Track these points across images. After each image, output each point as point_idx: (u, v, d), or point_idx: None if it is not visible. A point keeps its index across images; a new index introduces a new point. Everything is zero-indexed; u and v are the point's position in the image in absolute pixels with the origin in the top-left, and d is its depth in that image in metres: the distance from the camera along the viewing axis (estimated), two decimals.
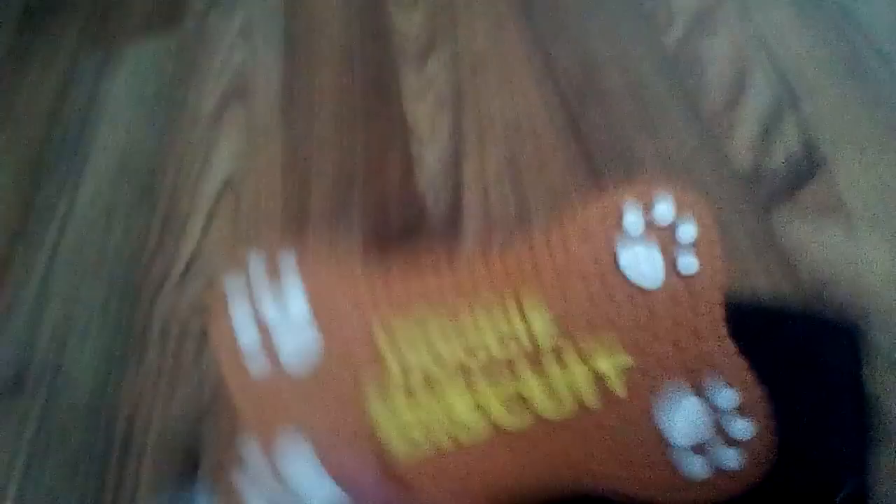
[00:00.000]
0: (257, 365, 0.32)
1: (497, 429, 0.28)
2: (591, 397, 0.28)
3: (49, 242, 0.70)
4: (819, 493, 0.40)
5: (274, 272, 0.35)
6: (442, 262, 0.37)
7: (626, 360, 0.28)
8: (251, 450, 0.28)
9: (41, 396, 0.59)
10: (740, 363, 0.27)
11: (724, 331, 0.28)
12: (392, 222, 0.63)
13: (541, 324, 0.30)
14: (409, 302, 0.32)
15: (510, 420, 0.28)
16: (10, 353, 0.62)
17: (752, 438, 0.25)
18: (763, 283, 0.51)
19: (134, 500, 0.52)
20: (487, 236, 0.60)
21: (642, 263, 0.31)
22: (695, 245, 0.31)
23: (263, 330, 0.33)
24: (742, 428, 0.26)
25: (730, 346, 0.28)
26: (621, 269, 0.31)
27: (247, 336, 0.33)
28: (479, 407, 0.28)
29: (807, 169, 0.57)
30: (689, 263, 0.30)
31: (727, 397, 0.26)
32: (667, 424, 0.26)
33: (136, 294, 0.64)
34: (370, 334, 0.31)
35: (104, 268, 0.67)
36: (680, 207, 0.32)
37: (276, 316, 0.33)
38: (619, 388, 0.28)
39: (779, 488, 0.39)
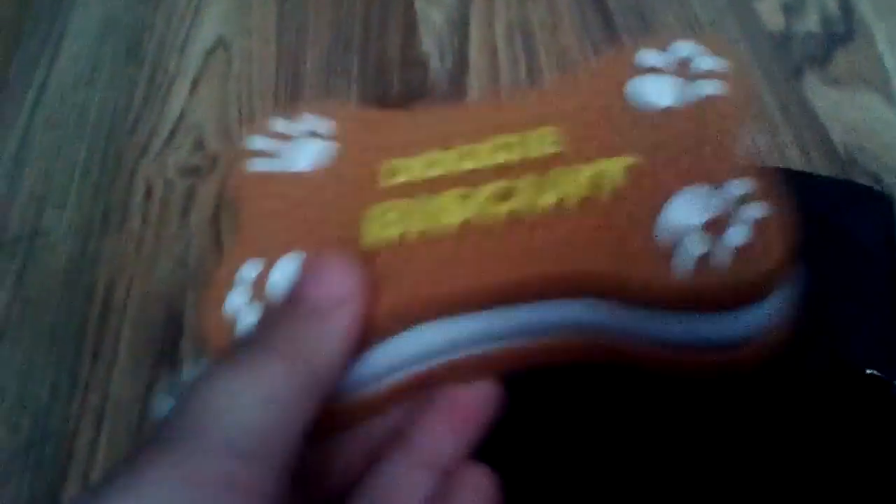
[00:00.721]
0: (268, 167, 0.31)
1: (473, 223, 0.26)
2: (583, 192, 0.26)
3: (29, 99, 0.66)
4: (847, 368, 0.37)
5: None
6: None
7: (631, 161, 0.26)
8: (248, 270, 0.26)
9: (18, 261, 0.56)
10: (757, 167, 0.24)
11: (737, 151, 0.26)
12: (393, 85, 0.59)
13: (546, 139, 0.28)
14: (418, 140, 0.30)
15: (489, 213, 0.26)
16: None
17: (764, 218, 0.22)
18: (793, 151, 0.48)
19: (112, 369, 0.49)
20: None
21: (655, 87, 0.29)
22: (712, 73, 0.28)
23: (278, 139, 0.31)
24: (755, 209, 0.23)
25: (745, 159, 0.25)
26: (633, 95, 0.29)
27: (261, 144, 0.31)
28: (463, 199, 0.27)
29: (843, 33, 0.53)
30: (705, 86, 0.28)
31: (740, 186, 0.23)
32: (671, 211, 0.23)
33: (120, 155, 0.60)
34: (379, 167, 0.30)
35: (86, 127, 0.63)
36: (698, 45, 0.30)
37: (292, 130, 0.32)
38: (618, 182, 0.26)
39: (808, 361, 0.37)
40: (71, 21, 0.73)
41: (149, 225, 0.55)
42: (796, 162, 0.47)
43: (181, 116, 0.62)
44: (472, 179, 0.27)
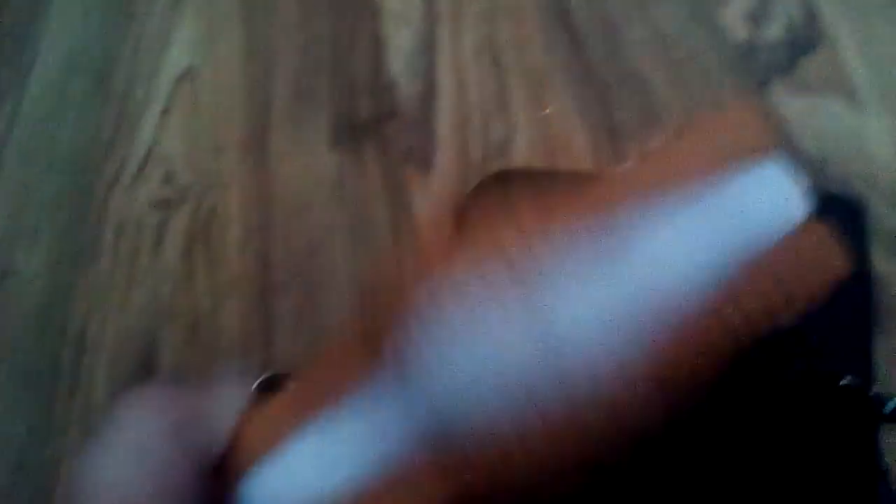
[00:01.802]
0: None
1: None
2: None
3: None
4: (822, 378, 0.37)
5: None
6: None
7: None
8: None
9: None
10: None
11: None
12: (362, 109, 0.59)
13: None
14: None
15: None
16: None
17: None
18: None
19: (89, 404, 0.49)
20: (464, 121, 0.55)
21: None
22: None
23: None
24: None
25: None
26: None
27: None
28: None
29: (807, 41, 0.53)
30: None
31: None
32: None
33: (90, 190, 0.60)
34: None
35: (56, 163, 0.62)
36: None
37: None
38: None
39: (781, 373, 0.37)
40: (39, 52, 0.72)
41: (121, 260, 0.55)
42: None
43: (150, 148, 0.61)
44: None
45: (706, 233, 0.25)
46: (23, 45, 0.73)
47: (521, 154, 0.53)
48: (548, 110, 0.54)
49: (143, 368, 0.49)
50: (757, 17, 0.55)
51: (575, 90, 0.55)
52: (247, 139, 0.60)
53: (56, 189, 0.61)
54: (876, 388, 0.38)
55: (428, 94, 0.58)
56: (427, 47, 0.61)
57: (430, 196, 0.52)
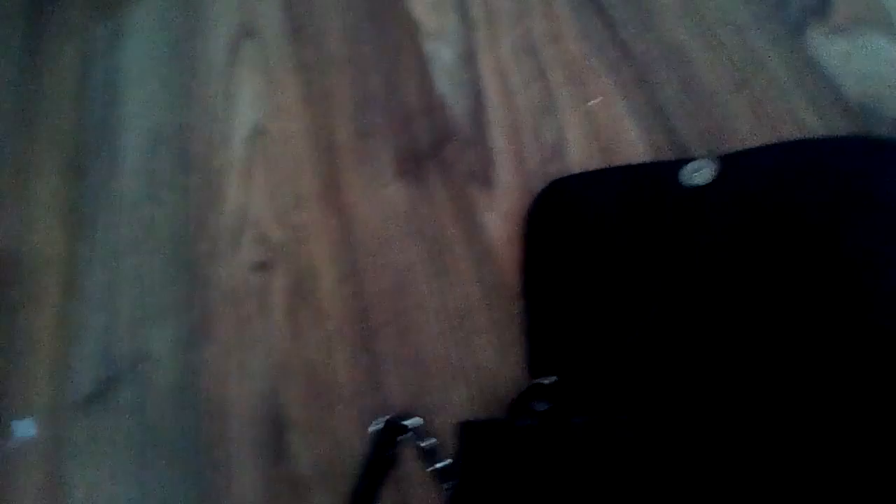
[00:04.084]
0: None
1: None
2: None
3: (100, 228, 0.71)
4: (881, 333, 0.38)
5: None
6: None
7: None
8: None
9: (133, 389, 0.61)
10: None
11: None
12: (420, 136, 0.62)
13: None
14: None
15: None
16: (95, 354, 0.64)
17: None
18: (809, 114, 0.48)
19: (230, 477, 0.54)
20: (516, 129, 0.57)
21: None
22: None
23: None
24: None
25: None
26: None
27: None
28: None
29: None
30: None
31: None
32: None
33: (195, 264, 0.65)
34: None
35: (161, 246, 0.68)
36: None
37: None
38: None
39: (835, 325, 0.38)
40: (122, 137, 0.78)
41: (235, 328, 0.60)
42: (812, 125, 0.47)
43: (238, 213, 0.66)
44: None
45: None
46: (106, 133, 0.79)
47: (576, 152, 0.54)
48: (591, 102, 0.55)
49: (275, 426, 0.54)
50: None
51: (615, 75, 0.55)
52: (321, 185, 0.63)
53: (165, 269, 0.66)
54: None
55: (477, 108, 0.60)
56: (468, 56, 0.62)
57: (498, 212, 0.54)
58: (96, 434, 0.61)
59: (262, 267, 0.62)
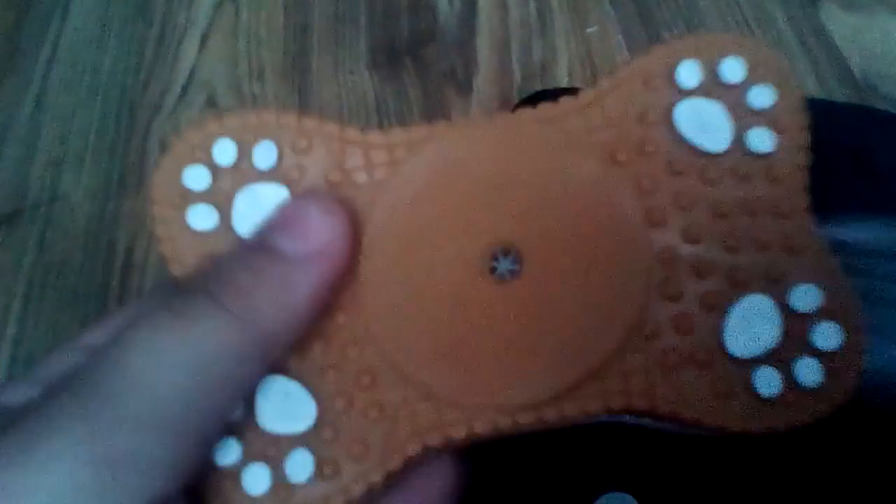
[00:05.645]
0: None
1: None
2: None
3: (42, 62, 0.66)
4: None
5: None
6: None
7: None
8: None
9: (38, 226, 0.56)
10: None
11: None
12: (402, 31, 0.58)
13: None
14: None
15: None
16: (5, 179, 0.59)
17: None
18: (811, 81, 0.47)
19: None
20: (504, 42, 0.55)
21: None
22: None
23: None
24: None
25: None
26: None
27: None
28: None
29: None
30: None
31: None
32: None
33: (133, 114, 0.60)
34: None
35: (99, 88, 0.63)
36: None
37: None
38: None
39: None
40: None
41: None
42: (811, 91, 0.46)
43: (192, 73, 0.62)
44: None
45: None
46: None
47: (563, 75, 0.52)
48: (589, 30, 0.53)
49: None
50: None
51: (617, 9, 0.54)
52: (287, 62, 0.60)
53: (100, 115, 0.61)
54: None
55: (468, 13, 0.57)
56: None
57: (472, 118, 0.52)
58: None
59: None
